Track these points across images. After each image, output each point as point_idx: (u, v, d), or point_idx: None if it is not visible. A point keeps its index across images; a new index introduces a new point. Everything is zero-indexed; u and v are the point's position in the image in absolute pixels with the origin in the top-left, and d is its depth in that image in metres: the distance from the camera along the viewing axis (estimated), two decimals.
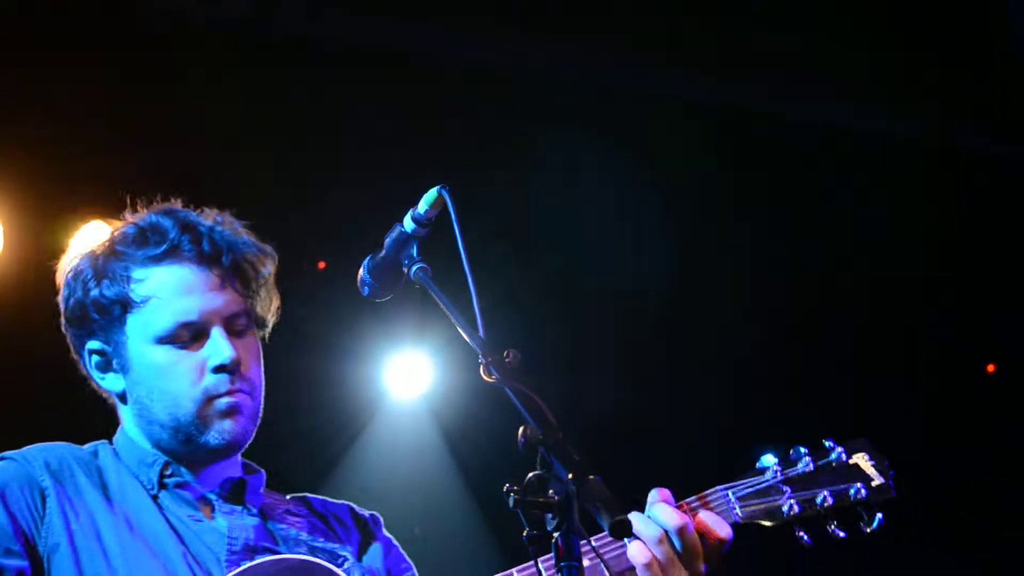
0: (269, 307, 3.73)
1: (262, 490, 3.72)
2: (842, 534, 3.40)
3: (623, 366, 8.05)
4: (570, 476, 2.76)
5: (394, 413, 8.09)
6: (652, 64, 7.41)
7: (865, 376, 7.98)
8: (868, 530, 3.41)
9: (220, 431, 3.55)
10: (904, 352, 8.04)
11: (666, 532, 3.26)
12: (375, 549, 3.74)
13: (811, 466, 3.46)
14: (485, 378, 3.03)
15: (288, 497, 3.81)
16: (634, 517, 3.27)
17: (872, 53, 7.31)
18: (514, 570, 3.36)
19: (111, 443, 3.68)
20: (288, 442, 6.56)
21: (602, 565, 3.28)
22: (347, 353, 7.52)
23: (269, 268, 3.71)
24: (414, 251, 3.40)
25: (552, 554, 2.83)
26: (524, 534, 2.82)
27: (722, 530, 3.31)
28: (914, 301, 7.96)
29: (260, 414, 3.66)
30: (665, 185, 7.58)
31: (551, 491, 2.80)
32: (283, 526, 3.65)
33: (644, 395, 8.04)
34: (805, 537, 3.40)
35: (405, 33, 6.96)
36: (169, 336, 3.57)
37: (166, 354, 3.57)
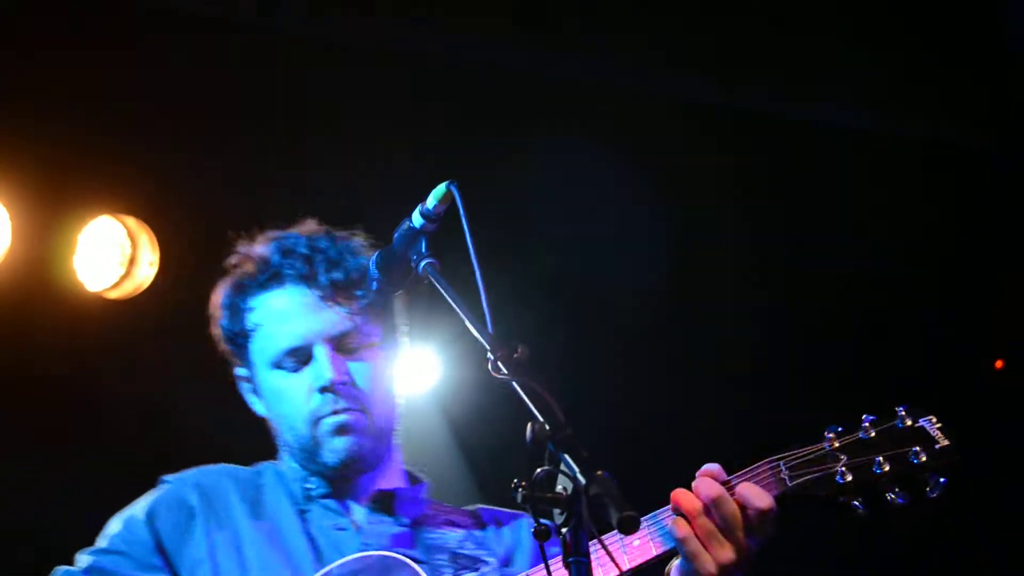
0: (388, 320, 3.78)
1: (425, 499, 3.80)
2: (901, 501, 3.29)
3: (623, 363, 8.04)
4: (578, 471, 2.76)
5: (402, 408, 8.06)
6: (653, 63, 7.39)
7: (866, 374, 7.98)
8: (933, 495, 3.30)
9: (334, 450, 3.65)
10: (911, 349, 8.03)
11: (704, 505, 3.26)
12: (523, 557, 3.79)
13: (871, 432, 3.35)
14: (493, 373, 3.05)
15: (462, 508, 3.89)
16: (679, 492, 3.30)
17: (871, 52, 7.30)
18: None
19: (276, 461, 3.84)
20: None
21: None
22: None
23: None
24: (422, 246, 3.42)
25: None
26: (533, 529, 2.82)
27: (761, 501, 3.27)
28: (918, 297, 7.96)
29: (387, 427, 3.75)
30: (664, 183, 7.57)
31: (560, 486, 2.81)
32: (435, 535, 3.72)
33: (645, 392, 8.03)
34: (859, 506, 3.30)
35: (407, 31, 6.96)
36: (278, 361, 3.68)
37: (280, 379, 3.69)
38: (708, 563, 3.25)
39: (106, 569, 3.58)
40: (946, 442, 3.33)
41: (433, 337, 7.69)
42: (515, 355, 3.05)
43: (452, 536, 3.74)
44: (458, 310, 3.25)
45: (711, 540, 3.26)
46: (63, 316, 6.46)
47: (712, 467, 3.35)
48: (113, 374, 6.59)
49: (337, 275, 3.70)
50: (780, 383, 7.97)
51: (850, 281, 7.94)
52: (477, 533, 3.80)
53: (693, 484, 3.32)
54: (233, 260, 3.80)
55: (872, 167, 7.70)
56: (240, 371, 3.81)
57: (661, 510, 3.36)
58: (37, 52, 6.18)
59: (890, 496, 3.30)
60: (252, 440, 4.00)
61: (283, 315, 3.68)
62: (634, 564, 3.34)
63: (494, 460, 7.68)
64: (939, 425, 3.36)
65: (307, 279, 3.68)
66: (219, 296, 3.79)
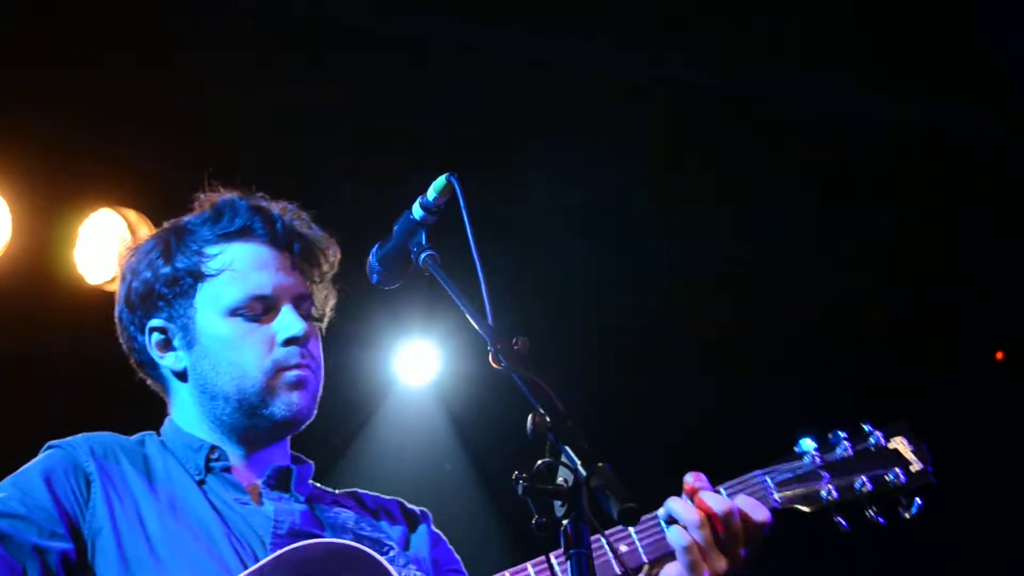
0: (327, 300, 3.82)
1: (310, 481, 3.77)
2: (881, 520, 3.42)
3: (620, 361, 8.02)
4: (579, 463, 2.75)
5: (403, 400, 8.07)
6: (652, 57, 7.35)
7: (867, 371, 7.97)
8: (907, 516, 3.43)
9: (287, 403, 3.61)
10: (912, 343, 8.02)
11: (707, 517, 3.28)
12: (421, 540, 3.78)
13: (850, 451, 3.49)
14: (494, 365, 3.03)
15: (338, 491, 3.85)
16: (675, 501, 3.32)
17: (871, 39, 7.26)
18: (528, 564, 3.36)
19: (158, 434, 3.74)
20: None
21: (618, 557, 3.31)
22: (355, 340, 7.51)
23: (334, 261, 3.80)
24: (423, 238, 3.43)
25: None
26: (533, 522, 2.81)
27: (760, 514, 3.33)
28: (919, 290, 7.94)
29: (319, 397, 3.71)
30: (666, 179, 7.55)
31: (560, 478, 2.80)
32: (331, 514, 3.69)
33: (641, 391, 8.01)
34: (843, 523, 3.42)
35: (408, 22, 6.93)
36: (241, 308, 3.65)
37: (236, 326, 3.65)
38: (704, 573, 3.30)
39: (8, 534, 3.38)
40: (919, 466, 3.48)
41: (434, 329, 7.70)
42: (515, 347, 3.04)
43: (347, 516, 3.72)
44: (458, 302, 3.24)
45: (710, 551, 3.29)
46: (63, 309, 6.46)
47: (700, 476, 3.37)
48: (114, 367, 6.57)
49: (305, 245, 3.74)
50: (779, 378, 7.95)
51: (846, 276, 7.93)
52: (368, 516, 3.78)
53: (695, 493, 3.33)
54: (194, 205, 3.81)
55: (873, 156, 7.67)
56: (156, 322, 3.72)
57: (647, 517, 3.36)
58: (37, 45, 6.18)
59: (870, 514, 3.43)
60: None
61: (254, 264, 3.68)
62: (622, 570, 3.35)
63: (495, 452, 7.68)
64: (912, 448, 3.51)
65: (276, 243, 3.71)
66: (155, 243, 3.76)
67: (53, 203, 6.42)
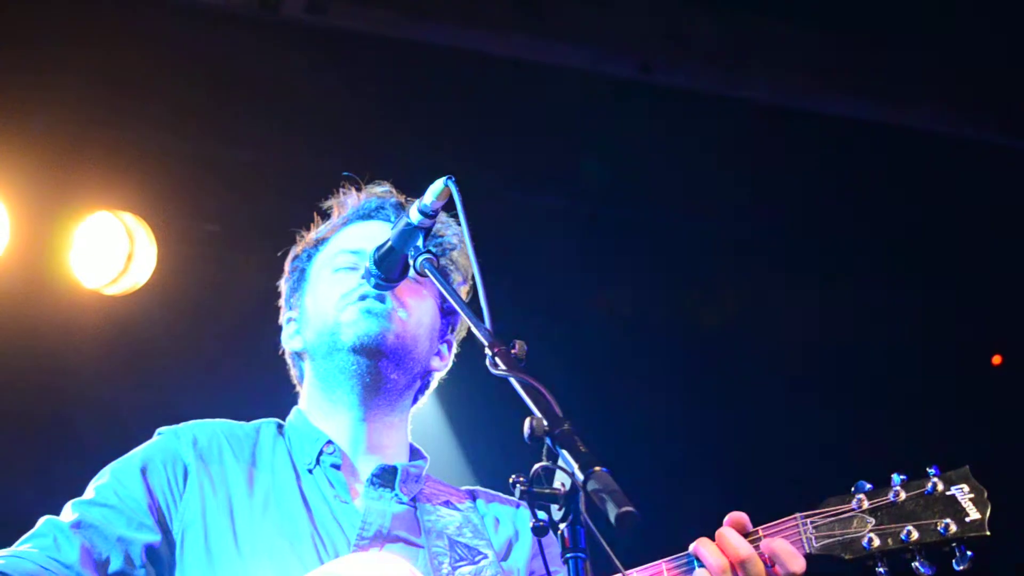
0: (456, 267, 3.84)
1: (425, 476, 3.78)
2: (927, 571, 3.26)
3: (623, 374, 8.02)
4: (576, 467, 2.72)
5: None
6: (661, 58, 7.35)
7: (867, 372, 7.97)
8: (959, 568, 3.26)
9: (354, 327, 3.63)
10: (908, 346, 8.02)
11: (729, 563, 3.23)
12: (523, 550, 3.76)
13: (902, 495, 3.32)
14: (491, 369, 3.00)
15: (462, 489, 3.87)
16: (702, 543, 3.28)
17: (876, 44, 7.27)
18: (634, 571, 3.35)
19: (281, 421, 3.80)
20: None
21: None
22: None
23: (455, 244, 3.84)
24: (420, 242, 3.42)
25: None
26: (532, 524, 2.80)
27: (794, 563, 3.25)
28: (917, 294, 7.95)
29: (412, 335, 3.71)
30: (683, 180, 7.55)
31: (558, 482, 2.79)
32: (434, 517, 3.69)
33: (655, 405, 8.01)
34: (883, 572, 3.27)
35: (406, 23, 6.94)
36: (332, 262, 3.77)
37: (329, 277, 3.75)
38: None
39: (95, 524, 3.45)
40: (976, 515, 3.29)
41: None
42: (513, 351, 3.01)
43: (450, 520, 3.71)
44: (456, 305, 3.23)
45: None
46: (60, 313, 6.45)
47: (738, 517, 3.31)
48: (111, 370, 6.58)
49: (391, 209, 3.86)
50: (781, 384, 7.95)
51: (850, 277, 7.93)
52: (475, 519, 3.77)
53: (717, 536, 3.29)
54: (331, 203, 3.96)
55: (880, 159, 7.67)
56: (289, 314, 3.86)
57: (678, 556, 3.33)
58: (35, 48, 6.18)
59: (915, 565, 3.28)
60: None
61: (355, 231, 3.82)
62: None
63: (492, 455, 7.67)
64: (971, 496, 3.32)
65: (367, 216, 3.86)
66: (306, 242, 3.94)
67: (49, 206, 6.41)
